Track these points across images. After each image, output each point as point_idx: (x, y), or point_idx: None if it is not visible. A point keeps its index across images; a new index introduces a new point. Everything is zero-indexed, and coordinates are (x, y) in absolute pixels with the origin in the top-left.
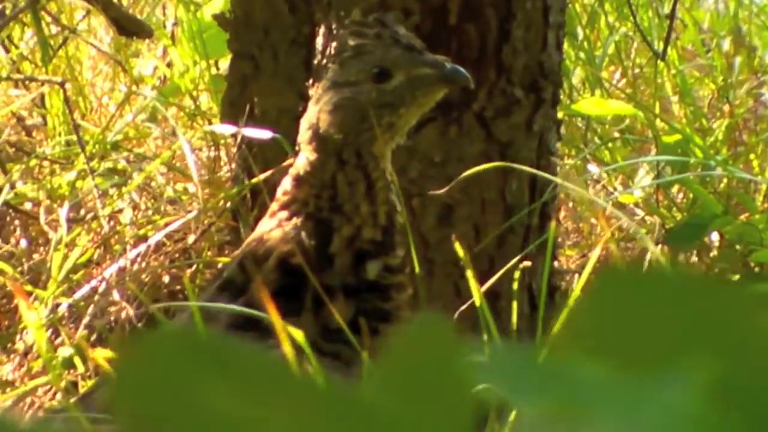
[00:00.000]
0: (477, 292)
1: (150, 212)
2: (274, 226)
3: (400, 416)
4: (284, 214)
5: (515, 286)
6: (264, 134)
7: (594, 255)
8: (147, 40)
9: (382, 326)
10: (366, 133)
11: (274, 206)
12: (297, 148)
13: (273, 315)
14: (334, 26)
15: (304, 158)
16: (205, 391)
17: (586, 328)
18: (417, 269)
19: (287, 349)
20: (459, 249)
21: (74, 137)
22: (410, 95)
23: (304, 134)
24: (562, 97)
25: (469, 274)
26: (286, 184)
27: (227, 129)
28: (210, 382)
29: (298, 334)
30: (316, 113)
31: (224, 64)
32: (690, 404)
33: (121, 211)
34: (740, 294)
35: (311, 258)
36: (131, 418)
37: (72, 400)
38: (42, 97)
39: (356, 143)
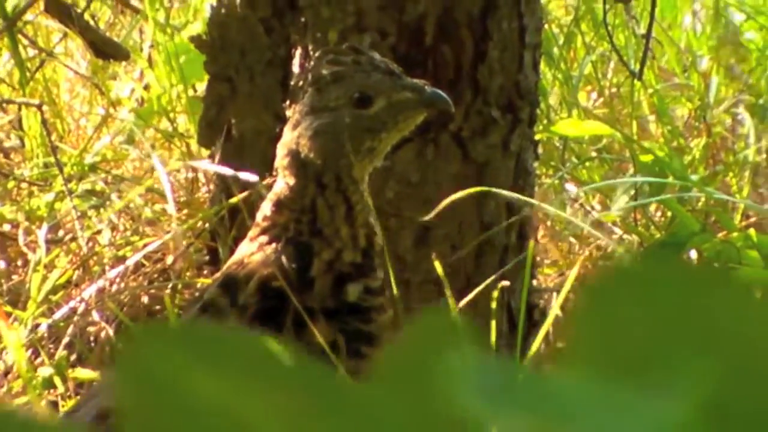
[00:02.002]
0: (455, 312)
1: (128, 233)
2: (254, 250)
3: (387, 415)
4: (264, 238)
5: (494, 305)
6: (251, 177)
7: (572, 274)
8: (124, 63)
9: (363, 348)
10: (346, 158)
11: (253, 231)
12: (274, 172)
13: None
14: (310, 48)
15: (282, 183)
16: (199, 382)
17: (573, 339)
18: (395, 290)
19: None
20: (439, 269)
21: (52, 159)
22: (392, 120)
23: (281, 160)
24: (539, 116)
25: (448, 293)
26: (266, 209)
27: (208, 166)
28: (204, 373)
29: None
30: (294, 139)
31: (202, 86)
32: (680, 418)
33: (99, 232)
34: (742, 292)
35: (292, 281)
36: (129, 410)
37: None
38: (19, 119)
39: (336, 168)
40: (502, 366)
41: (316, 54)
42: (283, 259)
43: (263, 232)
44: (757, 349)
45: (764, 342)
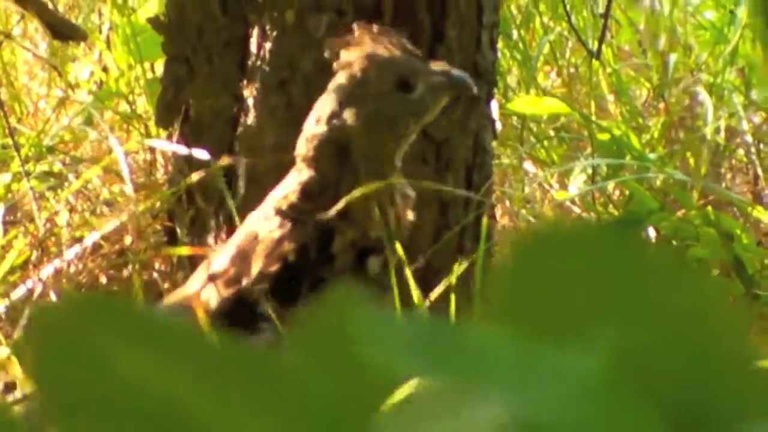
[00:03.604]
0: (414, 291)
1: (87, 214)
2: (273, 228)
3: (309, 383)
4: (284, 219)
5: (453, 280)
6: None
7: None
8: (83, 45)
9: None
10: (394, 144)
11: (269, 210)
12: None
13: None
14: (267, 27)
15: (307, 174)
16: (122, 358)
17: (495, 298)
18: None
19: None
20: (399, 250)
21: (9, 141)
22: (431, 103)
23: (308, 151)
24: (497, 96)
25: (408, 273)
26: (292, 197)
27: (165, 145)
28: (127, 350)
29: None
30: (331, 129)
31: (161, 67)
32: (592, 373)
33: (57, 213)
34: (667, 260)
35: (311, 256)
36: (48, 385)
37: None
38: None
39: (381, 155)
40: (418, 324)
41: (353, 26)
42: (304, 237)
43: (284, 214)
44: (669, 309)
45: (677, 303)
